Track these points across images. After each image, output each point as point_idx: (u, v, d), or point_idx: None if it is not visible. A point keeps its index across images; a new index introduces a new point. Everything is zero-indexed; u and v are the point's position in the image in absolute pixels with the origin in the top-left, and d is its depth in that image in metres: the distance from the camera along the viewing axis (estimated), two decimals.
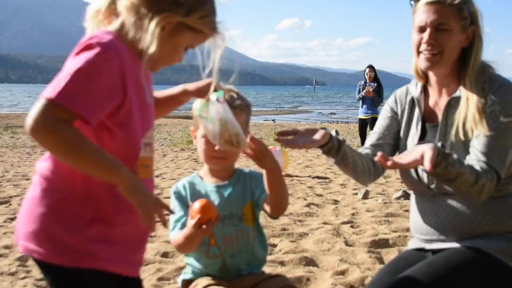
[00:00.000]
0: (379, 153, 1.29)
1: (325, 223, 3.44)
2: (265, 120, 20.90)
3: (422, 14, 1.48)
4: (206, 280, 1.41)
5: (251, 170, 1.51)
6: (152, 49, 1.05)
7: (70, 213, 1.03)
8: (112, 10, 1.11)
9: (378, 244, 2.89)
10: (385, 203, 4.05)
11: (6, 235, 3.09)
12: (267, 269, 1.55)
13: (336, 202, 4.23)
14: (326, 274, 2.42)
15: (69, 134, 0.95)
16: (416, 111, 1.60)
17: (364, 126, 7.98)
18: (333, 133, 1.53)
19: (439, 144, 1.36)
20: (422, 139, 1.56)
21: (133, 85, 1.05)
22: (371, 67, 8.08)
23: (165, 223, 1.09)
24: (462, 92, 1.48)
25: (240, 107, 1.38)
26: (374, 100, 7.76)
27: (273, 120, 21.41)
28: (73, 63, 0.98)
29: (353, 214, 3.73)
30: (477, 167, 1.39)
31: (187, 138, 11.28)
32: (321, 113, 29.73)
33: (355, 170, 1.56)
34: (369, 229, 3.24)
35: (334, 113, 29.32)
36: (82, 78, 0.97)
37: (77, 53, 1.01)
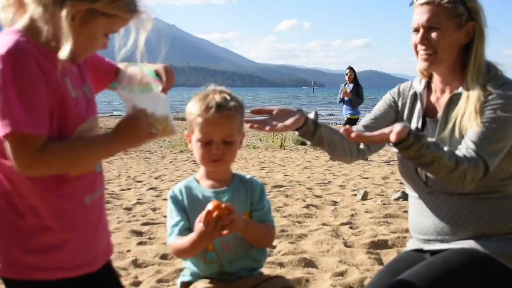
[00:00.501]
0: (343, 128, 1.32)
1: (324, 224, 3.44)
2: None
3: (416, 16, 1.50)
4: (203, 283, 1.41)
5: (253, 179, 1.49)
6: (66, 42, 1.00)
7: (10, 226, 1.04)
8: (20, 3, 1.06)
9: (377, 245, 2.89)
10: (384, 204, 4.05)
11: None
12: (266, 270, 1.55)
13: (335, 203, 4.23)
14: (325, 275, 2.41)
15: (54, 150, 0.98)
16: (418, 105, 1.60)
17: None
18: (311, 115, 1.54)
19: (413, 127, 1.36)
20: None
21: (49, 83, 1.01)
22: (350, 69, 8.24)
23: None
24: (463, 88, 1.48)
25: (234, 108, 1.38)
26: (352, 100, 7.94)
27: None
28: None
29: (352, 215, 3.73)
30: (462, 153, 1.39)
31: (186, 140, 11.27)
32: (319, 114, 29.65)
33: (333, 151, 1.59)
34: (368, 230, 3.24)
35: (333, 114, 29.34)
36: (18, 98, 0.94)
37: None
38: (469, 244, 1.45)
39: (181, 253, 1.39)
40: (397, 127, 1.30)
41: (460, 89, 1.49)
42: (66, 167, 1.01)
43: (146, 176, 6.22)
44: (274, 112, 1.49)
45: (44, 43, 1.03)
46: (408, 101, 1.64)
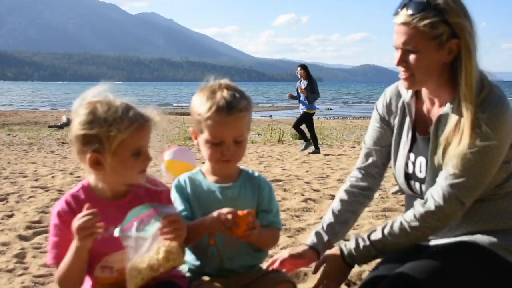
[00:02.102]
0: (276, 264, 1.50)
1: (322, 218, 3.45)
2: (262, 116, 20.91)
3: (394, 34, 1.42)
4: (199, 279, 1.40)
5: (261, 177, 1.47)
6: (100, 184, 1.29)
7: None
8: None
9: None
10: (382, 198, 4.06)
11: (3, 232, 3.09)
12: (264, 264, 1.55)
13: (333, 197, 4.24)
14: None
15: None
16: (407, 120, 1.55)
17: (301, 121, 8.42)
18: (314, 242, 1.61)
19: (349, 243, 1.49)
20: (411, 149, 1.53)
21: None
22: (301, 66, 8.43)
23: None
24: (451, 110, 1.40)
25: (245, 108, 1.34)
26: (307, 96, 8.19)
27: (270, 116, 21.42)
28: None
29: None
30: (428, 205, 1.40)
31: (184, 135, 11.26)
32: (318, 108, 29.70)
33: (352, 225, 1.69)
34: (366, 224, 3.25)
35: (331, 109, 29.32)
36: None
37: None
38: (468, 237, 1.45)
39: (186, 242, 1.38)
40: (327, 263, 1.46)
41: (449, 107, 1.42)
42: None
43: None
44: (288, 258, 1.55)
45: (94, 188, 1.32)
46: (398, 112, 1.58)
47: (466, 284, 1.36)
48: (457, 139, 1.37)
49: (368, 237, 1.49)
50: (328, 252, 1.55)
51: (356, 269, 2.40)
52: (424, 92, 1.52)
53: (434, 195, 1.40)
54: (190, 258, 1.44)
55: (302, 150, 8.37)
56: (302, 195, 4.32)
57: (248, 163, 6.77)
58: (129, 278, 1.21)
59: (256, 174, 1.48)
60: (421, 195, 1.51)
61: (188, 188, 1.41)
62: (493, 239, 1.42)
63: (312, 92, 8.15)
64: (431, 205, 1.40)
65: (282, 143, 10.06)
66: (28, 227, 3.19)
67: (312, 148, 8.25)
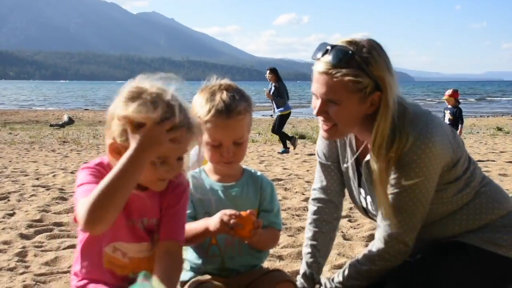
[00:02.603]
0: None
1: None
2: (263, 116, 20.91)
3: (314, 82, 1.34)
4: (203, 278, 1.40)
5: (263, 177, 1.47)
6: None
7: None
8: None
9: None
10: None
11: (4, 231, 3.09)
12: (265, 263, 1.55)
13: None
14: (324, 268, 2.39)
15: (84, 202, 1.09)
16: (348, 152, 1.53)
17: (280, 124, 8.36)
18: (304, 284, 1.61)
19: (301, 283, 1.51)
20: (360, 184, 1.53)
21: None
22: (270, 69, 8.41)
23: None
24: (371, 160, 1.37)
25: (244, 111, 1.34)
26: (275, 101, 8.22)
27: (271, 115, 21.41)
28: None
29: (350, 209, 3.74)
30: (376, 248, 1.42)
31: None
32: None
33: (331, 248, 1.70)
34: (367, 223, 3.25)
35: None
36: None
37: None
38: (455, 238, 1.46)
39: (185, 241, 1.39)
40: None
41: (370, 153, 1.38)
42: (106, 201, 1.08)
43: None
44: None
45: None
46: (339, 145, 1.56)
47: (461, 283, 1.37)
48: (382, 185, 1.35)
49: (333, 279, 1.54)
50: None
51: None
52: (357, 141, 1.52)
53: (379, 237, 1.43)
54: (191, 257, 1.45)
55: (280, 152, 8.14)
56: (303, 194, 4.33)
57: (249, 162, 6.78)
58: None
59: (259, 173, 1.48)
60: (372, 217, 1.56)
61: (191, 187, 1.40)
62: (480, 235, 1.43)
63: (278, 96, 8.12)
64: (377, 248, 1.43)
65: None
66: (30, 226, 3.19)
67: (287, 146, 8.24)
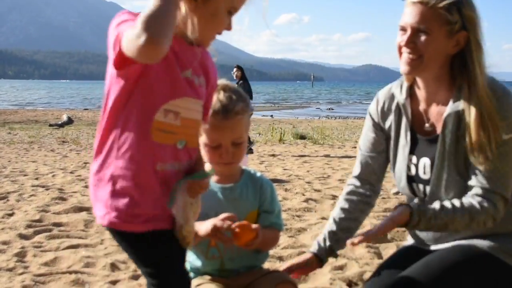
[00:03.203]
0: (348, 242, 1.33)
1: (323, 218, 3.44)
2: (263, 116, 20.93)
3: (406, 14, 1.40)
4: (203, 279, 1.40)
5: (263, 177, 1.47)
6: (190, 26, 1.07)
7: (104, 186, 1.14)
8: None
9: (377, 239, 2.90)
10: (383, 198, 4.05)
11: (4, 231, 3.08)
12: (265, 264, 1.54)
13: (334, 197, 4.24)
14: (325, 269, 2.41)
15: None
16: (404, 120, 1.51)
17: None
18: (317, 249, 1.58)
19: (415, 201, 1.38)
20: (412, 151, 1.50)
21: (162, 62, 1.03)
22: (237, 67, 8.32)
23: None
24: (465, 106, 1.37)
25: (242, 111, 1.33)
26: None
27: (271, 115, 21.43)
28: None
29: None
30: (475, 200, 1.36)
31: None
32: (319, 108, 29.78)
33: (356, 230, 1.62)
34: (367, 224, 3.24)
35: (332, 108, 29.34)
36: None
37: None
38: (467, 241, 1.44)
39: None
40: (396, 216, 1.33)
41: (453, 105, 1.39)
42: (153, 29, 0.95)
43: None
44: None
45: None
46: (393, 115, 1.54)
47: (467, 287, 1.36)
48: (480, 135, 1.34)
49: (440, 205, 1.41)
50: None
51: (357, 269, 2.40)
52: (420, 91, 1.49)
53: (476, 195, 1.37)
54: (191, 258, 1.45)
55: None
56: (303, 195, 4.32)
57: (249, 162, 6.77)
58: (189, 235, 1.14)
59: (258, 174, 1.47)
60: (424, 198, 1.49)
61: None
62: (493, 243, 1.41)
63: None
64: (475, 204, 1.37)
65: (283, 143, 10.06)
66: (29, 226, 3.19)
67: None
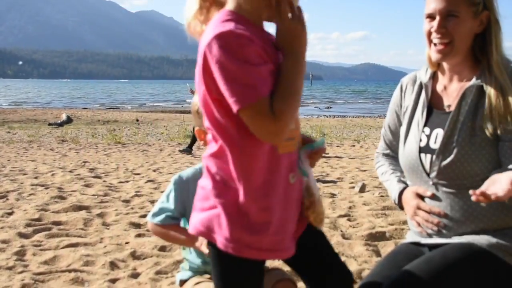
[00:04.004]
0: (473, 194, 1.21)
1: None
2: None
3: (432, 2, 1.45)
4: (202, 278, 1.42)
5: None
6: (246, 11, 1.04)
7: (231, 206, 1.10)
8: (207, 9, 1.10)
9: (375, 237, 2.91)
10: (381, 196, 4.06)
11: (3, 230, 3.09)
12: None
13: (333, 195, 4.25)
14: None
15: (279, 101, 0.99)
16: (423, 95, 1.57)
17: None
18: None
19: None
20: (426, 124, 1.54)
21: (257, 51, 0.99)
22: None
23: None
24: (486, 80, 1.43)
25: None
26: None
27: None
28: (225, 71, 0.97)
29: (350, 208, 3.75)
30: None
31: (184, 133, 11.27)
32: (317, 107, 29.78)
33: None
34: (366, 222, 3.25)
35: (331, 107, 29.35)
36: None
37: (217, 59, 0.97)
38: (467, 238, 1.45)
39: (161, 237, 1.45)
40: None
41: (476, 81, 1.45)
42: (296, 106, 1.01)
43: (144, 168, 6.22)
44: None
45: (247, 15, 1.05)
46: (413, 94, 1.60)
47: (467, 286, 1.36)
48: (499, 102, 1.38)
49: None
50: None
51: (355, 267, 2.41)
52: (443, 68, 1.55)
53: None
54: (190, 257, 1.46)
55: (181, 151, 8.13)
56: None
57: None
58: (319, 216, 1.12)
59: None
60: (428, 172, 1.50)
61: (190, 189, 1.41)
62: (492, 240, 1.42)
63: None
64: None
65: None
66: (28, 225, 3.20)
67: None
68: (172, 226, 1.41)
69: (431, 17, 1.46)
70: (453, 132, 1.45)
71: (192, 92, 8.32)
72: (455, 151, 1.44)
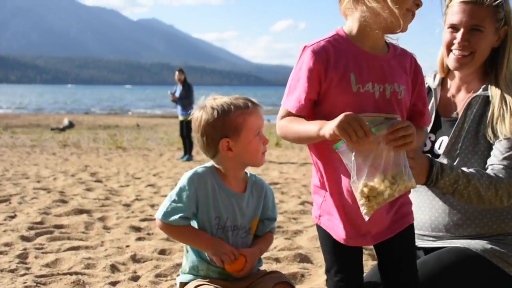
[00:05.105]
0: None
1: None
2: None
3: (456, 14, 1.44)
4: (202, 281, 1.42)
5: (264, 183, 1.51)
6: (359, 33, 1.15)
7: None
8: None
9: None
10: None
11: (6, 233, 3.12)
12: (262, 266, 1.59)
13: None
14: (320, 271, 2.43)
15: (282, 124, 1.25)
16: (432, 101, 1.57)
17: (182, 127, 8.10)
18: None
19: (442, 161, 1.38)
20: (434, 131, 1.55)
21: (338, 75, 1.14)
22: (180, 70, 8.09)
23: None
24: (492, 91, 1.44)
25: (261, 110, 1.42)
26: (182, 103, 7.88)
27: (268, 120, 21.39)
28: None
29: None
30: (495, 171, 1.38)
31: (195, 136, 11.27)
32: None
33: None
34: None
35: None
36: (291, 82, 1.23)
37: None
38: (462, 243, 1.46)
39: (173, 237, 1.46)
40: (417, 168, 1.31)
41: (482, 92, 1.46)
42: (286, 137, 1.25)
43: (144, 173, 6.25)
44: None
45: (351, 35, 1.18)
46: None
47: None
48: (502, 109, 1.41)
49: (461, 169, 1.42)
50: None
51: None
52: (452, 78, 1.56)
53: (493, 169, 1.40)
54: (191, 259, 1.47)
55: (180, 159, 8.05)
56: (299, 198, 4.36)
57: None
58: (366, 199, 1.10)
59: (260, 180, 1.51)
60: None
61: (208, 190, 1.39)
62: (486, 246, 1.43)
63: (186, 97, 7.83)
64: (498, 174, 1.39)
65: (280, 147, 10.10)
66: (30, 228, 3.22)
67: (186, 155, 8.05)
68: (186, 227, 1.39)
69: (454, 27, 1.45)
70: (458, 139, 1.46)
71: (174, 97, 7.90)
72: (458, 158, 1.45)
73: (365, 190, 1.10)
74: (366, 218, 1.12)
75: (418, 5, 1.15)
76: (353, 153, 1.08)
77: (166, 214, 1.39)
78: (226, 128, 1.36)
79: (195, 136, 1.44)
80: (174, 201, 1.39)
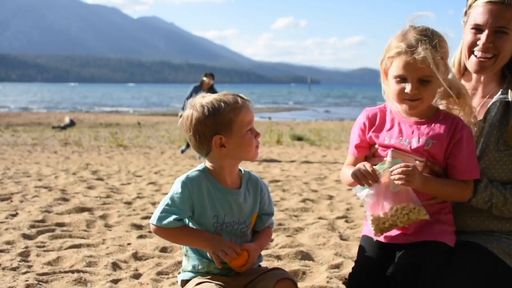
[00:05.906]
0: None
1: (320, 218, 3.49)
2: (261, 118, 20.96)
3: (481, 14, 1.39)
4: (203, 278, 1.43)
5: (258, 179, 1.51)
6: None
7: None
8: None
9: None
10: None
11: (7, 231, 3.13)
12: (263, 263, 1.59)
13: (331, 197, 4.29)
14: (322, 268, 2.45)
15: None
16: None
17: None
18: None
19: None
20: None
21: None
22: (210, 75, 7.80)
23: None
24: (509, 96, 1.42)
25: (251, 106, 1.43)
26: None
27: (269, 117, 21.45)
28: None
29: (347, 209, 3.79)
30: None
31: (185, 136, 11.26)
32: (315, 110, 29.80)
33: None
34: (363, 223, 3.29)
35: (329, 111, 29.35)
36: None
37: None
38: (472, 238, 1.46)
39: (169, 239, 1.47)
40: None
41: (501, 96, 1.43)
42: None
43: (145, 171, 6.26)
44: None
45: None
46: None
47: (467, 283, 1.38)
48: None
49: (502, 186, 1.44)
50: None
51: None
52: (468, 84, 1.53)
53: None
54: (192, 257, 1.48)
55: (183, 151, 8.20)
56: (301, 195, 4.37)
57: (247, 164, 6.82)
58: (372, 225, 1.42)
59: (254, 176, 1.52)
60: None
61: (203, 192, 1.40)
62: (498, 243, 1.44)
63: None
64: None
65: (281, 144, 10.10)
66: (32, 226, 3.23)
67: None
68: (181, 228, 1.39)
69: (478, 28, 1.39)
70: (477, 144, 1.44)
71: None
72: (480, 161, 1.43)
73: (371, 217, 1.43)
74: (375, 237, 1.47)
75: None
76: (368, 190, 1.39)
77: (160, 218, 1.40)
78: (217, 125, 1.36)
79: (187, 135, 1.43)
80: (167, 205, 1.41)
